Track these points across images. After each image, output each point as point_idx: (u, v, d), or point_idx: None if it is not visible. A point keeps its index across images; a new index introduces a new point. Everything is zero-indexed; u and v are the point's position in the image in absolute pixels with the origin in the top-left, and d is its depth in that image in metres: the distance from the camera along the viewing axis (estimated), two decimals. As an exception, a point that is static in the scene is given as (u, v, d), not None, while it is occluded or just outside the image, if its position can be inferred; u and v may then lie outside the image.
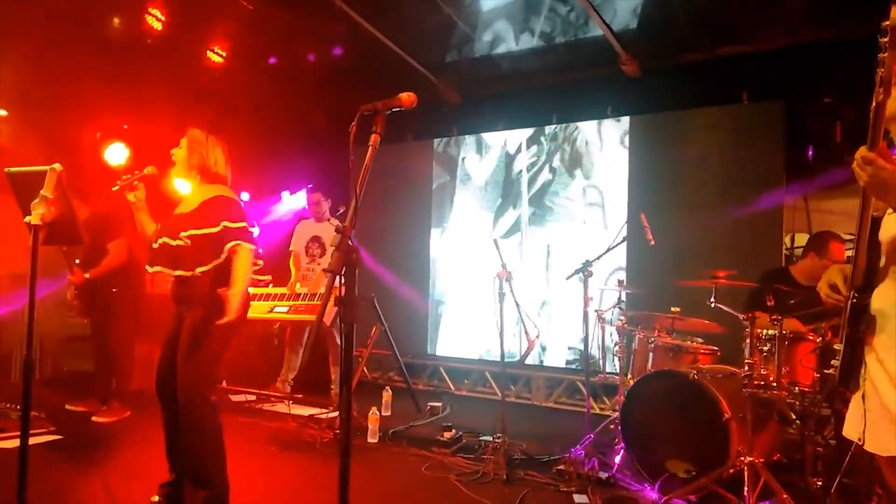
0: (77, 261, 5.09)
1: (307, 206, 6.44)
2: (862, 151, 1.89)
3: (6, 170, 2.48)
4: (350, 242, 1.75)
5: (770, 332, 3.61)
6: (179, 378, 3.03)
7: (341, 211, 6.36)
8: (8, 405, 4.75)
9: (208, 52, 6.39)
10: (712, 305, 4.03)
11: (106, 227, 5.05)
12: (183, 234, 3.04)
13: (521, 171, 6.68)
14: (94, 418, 5.02)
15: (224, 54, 6.50)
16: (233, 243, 3.06)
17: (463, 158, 7.11)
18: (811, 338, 3.65)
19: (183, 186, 3.35)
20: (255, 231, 3.21)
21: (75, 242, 2.66)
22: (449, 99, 6.93)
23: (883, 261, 2.08)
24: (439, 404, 5.72)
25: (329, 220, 6.19)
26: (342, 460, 1.74)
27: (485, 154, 6.97)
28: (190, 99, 6.32)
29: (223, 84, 6.62)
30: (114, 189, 3.11)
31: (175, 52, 6.13)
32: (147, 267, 3.15)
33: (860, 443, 2.07)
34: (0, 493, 3.25)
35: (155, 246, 3.14)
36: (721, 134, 5.59)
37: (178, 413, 3.06)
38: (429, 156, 7.28)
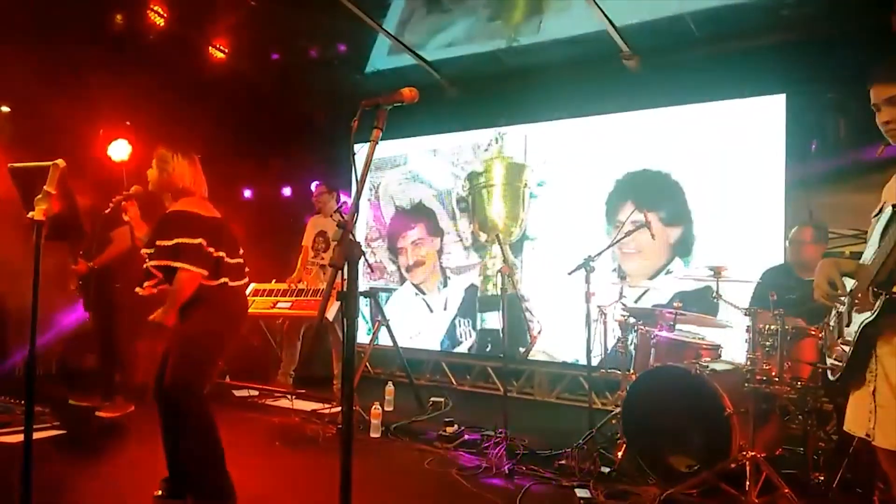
0: (81, 252, 5.11)
1: (313, 201, 6.47)
2: None
3: (9, 165, 2.48)
4: (352, 237, 1.76)
5: (772, 327, 3.61)
6: (164, 381, 3.09)
7: (342, 203, 6.38)
8: (12, 400, 4.77)
9: (211, 47, 6.40)
10: (715, 300, 4.03)
11: (108, 217, 5.05)
12: (145, 250, 3.21)
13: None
14: (97, 413, 5.04)
15: (226, 50, 6.51)
16: (168, 262, 3.10)
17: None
18: (813, 333, 3.65)
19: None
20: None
21: (78, 237, 2.67)
22: (450, 94, 6.94)
23: None
24: (441, 399, 5.73)
25: (333, 214, 6.22)
26: (344, 454, 1.75)
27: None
28: (192, 95, 6.33)
29: (226, 79, 6.62)
30: (106, 212, 3.21)
31: (177, 48, 6.14)
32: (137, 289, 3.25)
33: (868, 438, 2.07)
34: (5, 488, 3.28)
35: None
36: (722, 128, 5.57)
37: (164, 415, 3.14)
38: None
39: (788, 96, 5.33)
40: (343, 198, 6.42)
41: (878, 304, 2.04)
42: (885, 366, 2.04)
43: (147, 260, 3.16)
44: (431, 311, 7.15)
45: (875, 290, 2.06)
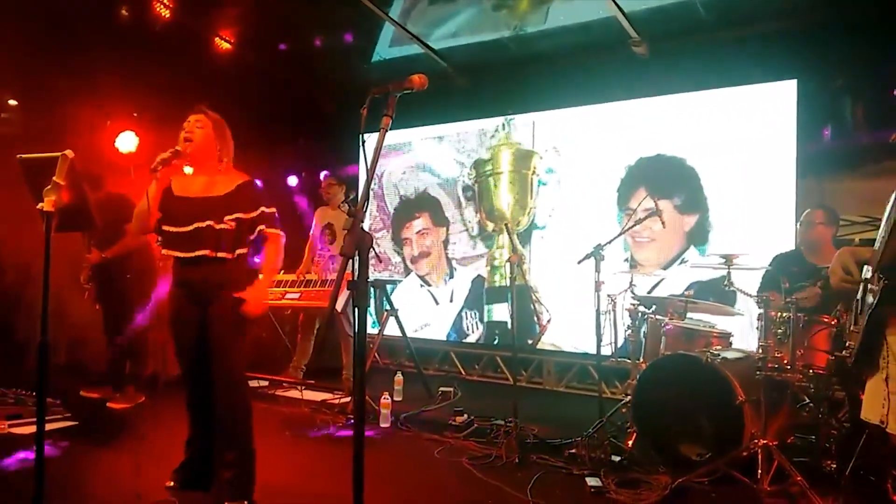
0: (93, 242, 5.13)
1: (321, 192, 6.44)
2: None
3: (18, 156, 2.48)
4: (362, 226, 1.74)
5: (784, 314, 3.59)
6: (222, 362, 3.09)
7: (352, 196, 6.36)
8: (24, 392, 4.79)
9: (217, 38, 6.38)
10: (726, 288, 4.01)
11: (121, 209, 5.05)
12: (227, 217, 3.08)
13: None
14: (108, 404, 5.07)
15: (233, 41, 6.49)
16: (268, 229, 3.16)
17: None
18: (826, 320, 3.63)
19: (188, 169, 3.35)
20: None
21: (88, 228, 2.67)
22: (458, 83, 6.91)
23: None
24: (451, 389, 5.73)
25: (340, 206, 6.19)
26: (356, 442, 1.74)
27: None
28: (199, 86, 6.32)
29: (231, 70, 6.60)
30: (153, 169, 3.04)
31: (184, 39, 6.12)
32: (175, 251, 3.13)
33: (882, 426, 2.05)
34: (18, 479, 3.30)
35: (185, 230, 3.10)
36: (732, 115, 5.53)
37: (213, 389, 3.12)
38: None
39: (800, 82, 5.28)
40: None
41: (878, 290, 2.04)
42: (894, 352, 2.04)
43: (227, 225, 3.08)
44: (437, 303, 7.13)
45: (879, 275, 2.05)
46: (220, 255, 3.07)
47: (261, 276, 3.22)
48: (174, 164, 3.13)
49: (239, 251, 3.13)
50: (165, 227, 3.17)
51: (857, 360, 2.22)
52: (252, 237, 3.18)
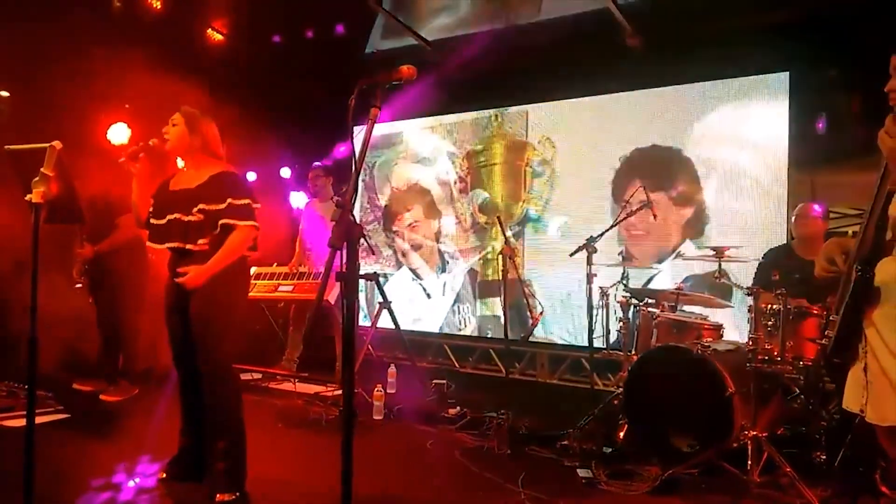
0: (85, 236, 5.11)
1: (308, 185, 6.41)
2: (890, 120, 1.92)
3: (6, 147, 2.47)
4: (351, 217, 1.74)
5: (774, 306, 3.60)
6: (205, 352, 3.11)
7: (344, 189, 6.32)
8: (16, 385, 4.78)
9: (209, 29, 6.35)
10: (718, 281, 4.02)
11: (113, 203, 5.03)
12: (195, 209, 3.09)
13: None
14: (101, 397, 5.06)
15: (225, 32, 6.46)
16: (228, 220, 3.10)
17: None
18: (816, 312, 3.64)
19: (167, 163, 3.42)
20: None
21: (77, 221, 2.66)
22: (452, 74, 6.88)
23: (889, 234, 2.07)
24: (444, 382, 5.74)
25: (332, 198, 6.16)
26: (345, 434, 1.75)
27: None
28: (191, 77, 6.28)
29: (224, 62, 6.57)
30: (120, 160, 3.11)
31: (176, 30, 6.09)
32: (153, 244, 3.22)
33: (861, 414, 2.08)
34: (8, 472, 3.29)
35: (160, 222, 3.18)
36: (727, 107, 5.53)
37: (200, 379, 3.14)
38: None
39: (791, 74, 5.28)
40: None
41: (852, 280, 2.07)
42: (871, 342, 2.06)
43: (195, 216, 3.08)
44: (430, 296, 7.12)
45: (856, 267, 2.07)
46: (188, 246, 3.10)
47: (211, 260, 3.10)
48: (157, 157, 3.21)
49: (201, 240, 3.10)
50: (151, 220, 3.25)
51: (835, 349, 2.25)
52: (216, 231, 3.10)
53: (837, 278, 2.20)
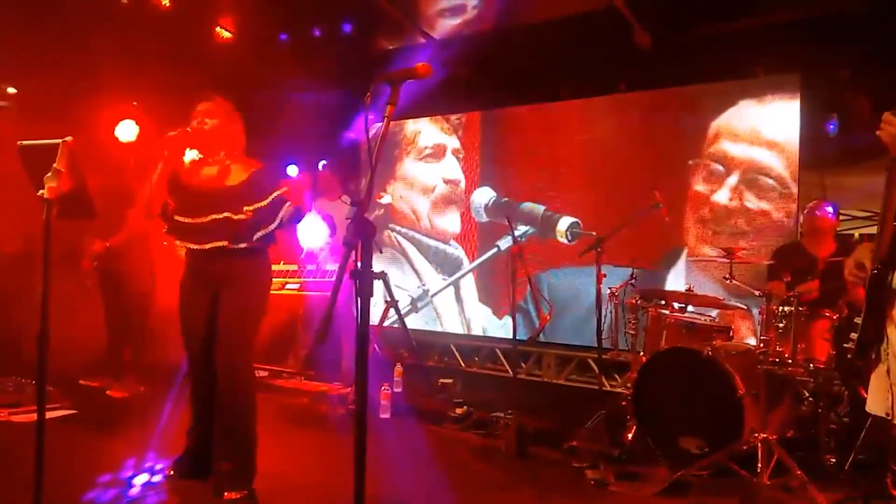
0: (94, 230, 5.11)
1: (319, 184, 6.41)
2: (889, 114, 1.98)
3: (18, 143, 2.46)
4: (366, 215, 1.73)
5: (786, 308, 3.58)
6: (229, 351, 3.08)
7: (352, 188, 6.32)
8: (23, 379, 4.79)
9: (217, 27, 6.35)
10: (728, 282, 4.00)
11: (120, 196, 5.01)
12: (246, 208, 3.04)
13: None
14: (108, 393, 5.07)
15: (232, 30, 6.46)
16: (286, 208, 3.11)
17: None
18: (828, 314, 3.62)
19: (192, 155, 3.28)
20: None
21: (89, 216, 2.65)
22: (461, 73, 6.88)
23: None
24: (450, 381, 5.73)
25: (341, 197, 6.16)
26: (358, 432, 1.73)
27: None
28: (199, 75, 6.29)
29: (233, 59, 6.57)
30: (168, 134, 3.00)
31: (184, 28, 6.09)
32: (189, 243, 3.11)
33: (888, 417, 2.05)
34: (17, 467, 3.29)
35: (199, 221, 3.09)
36: (735, 108, 5.50)
37: (217, 378, 3.11)
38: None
39: (803, 76, 5.25)
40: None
41: (867, 278, 2.06)
42: (893, 343, 2.04)
43: (246, 215, 3.05)
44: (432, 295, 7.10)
45: (875, 267, 2.06)
46: (240, 245, 3.06)
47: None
48: (180, 147, 3.11)
49: (258, 236, 3.08)
50: (178, 218, 3.14)
51: (858, 351, 2.22)
52: (271, 227, 3.10)
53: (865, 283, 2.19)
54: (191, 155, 3.29)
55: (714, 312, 4.53)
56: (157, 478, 3.32)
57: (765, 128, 5.35)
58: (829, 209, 4.20)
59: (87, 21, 5.62)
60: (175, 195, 3.15)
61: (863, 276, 2.14)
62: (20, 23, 5.24)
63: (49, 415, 3.83)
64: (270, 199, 3.08)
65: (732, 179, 5.48)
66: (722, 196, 5.54)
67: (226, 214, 3.05)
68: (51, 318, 2.37)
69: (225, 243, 3.05)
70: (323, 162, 6.46)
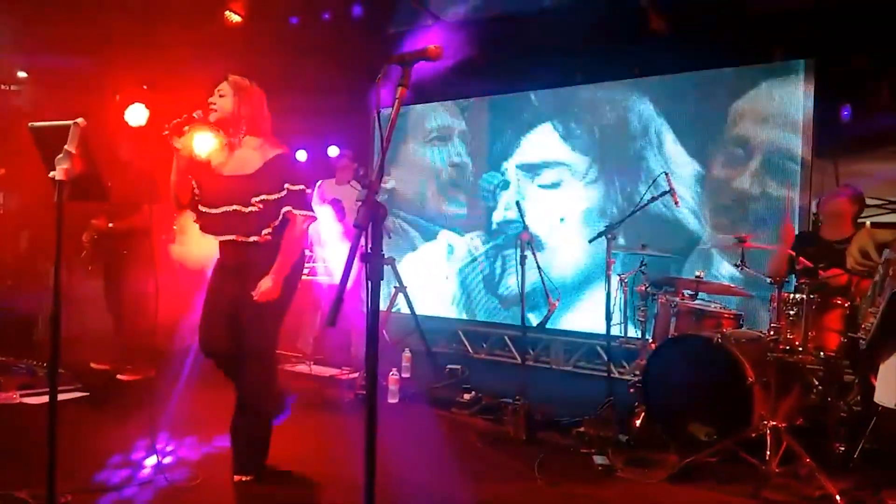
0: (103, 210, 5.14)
1: (335, 168, 6.39)
2: None
3: (29, 124, 2.46)
4: (376, 198, 1.72)
5: (797, 296, 3.56)
6: (253, 340, 3.04)
7: (361, 173, 6.30)
8: (35, 362, 4.82)
9: (228, 11, 6.33)
10: (739, 269, 3.97)
11: (140, 185, 4.99)
12: (254, 199, 2.96)
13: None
14: (118, 377, 5.09)
15: (243, 13, 6.43)
16: (289, 207, 3.00)
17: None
18: (839, 302, 3.59)
19: (209, 141, 3.20)
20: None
21: (100, 199, 2.65)
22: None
23: None
24: (458, 367, 5.73)
25: (350, 182, 6.15)
26: (369, 416, 1.73)
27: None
28: (210, 59, 6.27)
29: (244, 42, 6.55)
30: (164, 133, 2.89)
31: (195, 11, 6.07)
32: (214, 235, 3.08)
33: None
34: (31, 448, 3.32)
35: (215, 212, 3.05)
36: (749, 93, 5.45)
37: (240, 368, 3.09)
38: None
39: (817, 61, 5.19)
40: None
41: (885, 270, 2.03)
42: None
43: (256, 207, 2.97)
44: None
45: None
46: (251, 239, 2.99)
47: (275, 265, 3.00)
48: (188, 133, 2.99)
49: (265, 231, 2.99)
50: (202, 208, 3.11)
51: (872, 342, 2.20)
52: (277, 223, 3.01)
53: (871, 272, 2.16)
54: (207, 140, 3.20)
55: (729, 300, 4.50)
56: (167, 459, 3.34)
57: (777, 114, 5.29)
58: (846, 192, 4.15)
59: (97, 2, 5.61)
60: (201, 182, 3.10)
61: (869, 264, 2.11)
62: (31, 5, 5.24)
63: (61, 397, 3.87)
64: (283, 192, 2.99)
65: (744, 166, 5.43)
66: (732, 182, 5.50)
67: (235, 207, 2.98)
68: (66, 302, 2.38)
69: (236, 236, 3.01)
70: (335, 148, 6.42)
